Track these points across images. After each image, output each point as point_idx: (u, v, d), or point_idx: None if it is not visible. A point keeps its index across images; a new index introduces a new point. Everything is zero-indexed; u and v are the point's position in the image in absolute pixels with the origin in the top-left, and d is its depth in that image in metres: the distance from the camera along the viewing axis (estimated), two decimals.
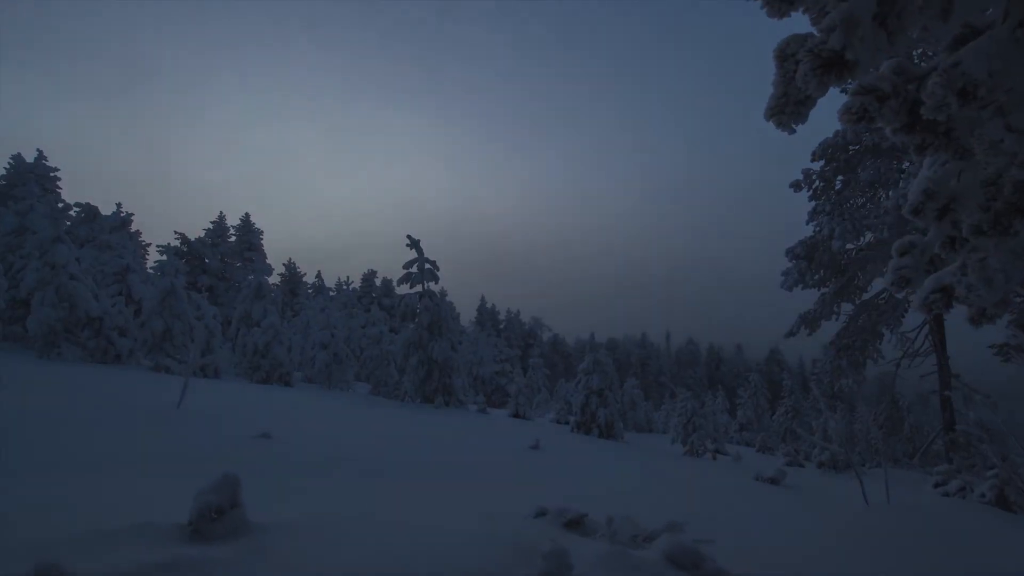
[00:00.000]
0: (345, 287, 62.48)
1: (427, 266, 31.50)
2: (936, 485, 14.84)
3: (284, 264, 66.05)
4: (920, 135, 4.00)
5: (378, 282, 78.97)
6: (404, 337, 30.69)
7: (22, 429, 9.67)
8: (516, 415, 34.44)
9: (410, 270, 31.44)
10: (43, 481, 6.75)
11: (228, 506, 4.88)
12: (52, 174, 35.01)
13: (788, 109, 3.25)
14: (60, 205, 32.14)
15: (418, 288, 31.48)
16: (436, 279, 31.86)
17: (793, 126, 3.40)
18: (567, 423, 35.02)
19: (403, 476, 9.78)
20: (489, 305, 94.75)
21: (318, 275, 71.20)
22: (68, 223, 30.50)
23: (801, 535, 7.89)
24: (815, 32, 3.16)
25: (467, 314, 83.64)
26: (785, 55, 3.19)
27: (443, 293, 36.68)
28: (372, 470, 10.00)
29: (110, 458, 8.31)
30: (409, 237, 31.22)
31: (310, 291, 67.54)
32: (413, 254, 31.45)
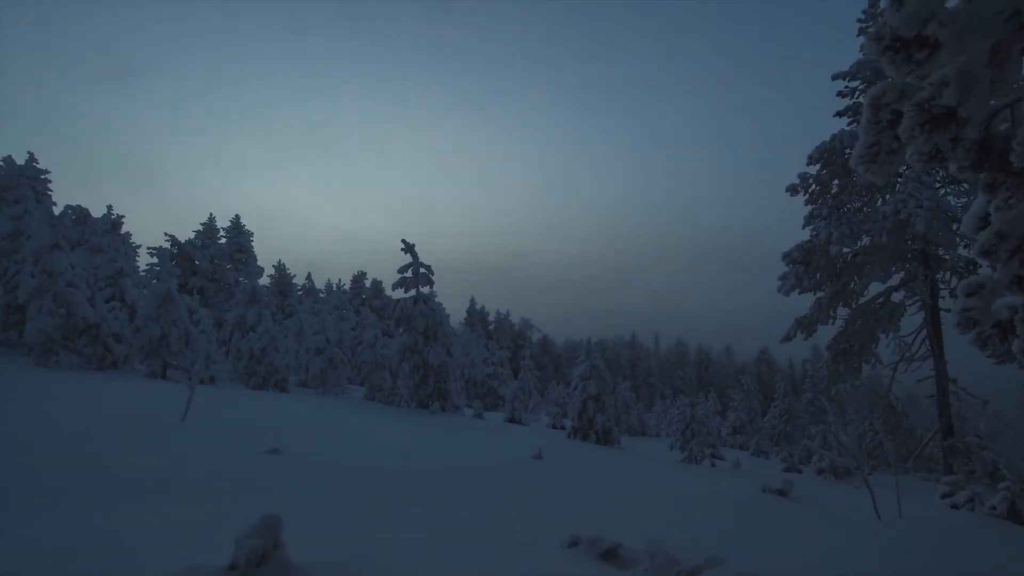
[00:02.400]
0: (336, 289, 62.13)
1: (422, 270, 31.30)
2: (943, 496, 14.78)
3: (274, 266, 65.59)
4: (991, 173, 3.90)
5: (367, 283, 78.66)
6: (400, 342, 30.48)
7: (34, 448, 9.50)
8: (512, 420, 34.34)
9: (405, 274, 31.19)
10: (68, 509, 6.58)
11: (271, 548, 4.76)
12: (43, 176, 34.67)
13: (880, 158, 3.14)
14: (53, 207, 31.88)
15: (413, 292, 31.27)
16: (431, 283, 31.67)
17: (884, 175, 3.30)
18: (562, 428, 34.94)
19: (420, 495, 9.64)
20: (479, 306, 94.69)
21: (308, 277, 70.81)
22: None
23: (825, 558, 7.83)
24: (910, 81, 3.06)
25: (454, 315, 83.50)
26: (879, 104, 3.07)
27: (431, 295, 36.49)
28: (388, 488, 9.87)
29: (130, 481, 8.16)
30: (404, 241, 30.97)
31: (300, 293, 67.16)
32: (408, 258, 31.22)
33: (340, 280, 67.13)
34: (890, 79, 3.06)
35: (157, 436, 11.70)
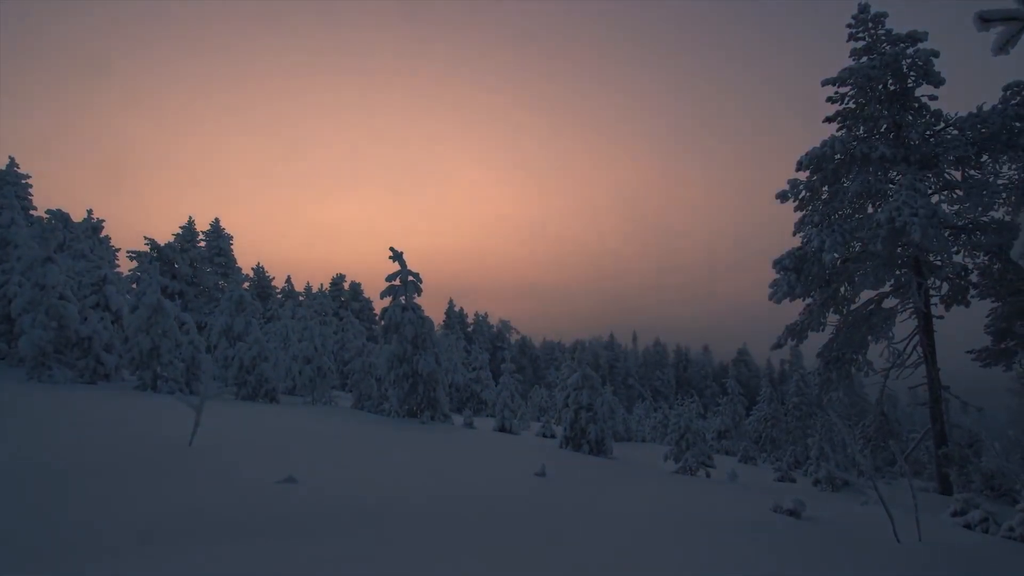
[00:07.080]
0: (318, 293, 61.67)
1: (410, 278, 30.97)
2: (954, 513, 14.76)
3: (252, 269, 64.84)
4: None
5: (346, 286, 78.06)
6: (389, 351, 30.09)
7: (43, 481, 9.15)
8: (502, 428, 34.15)
9: (393, 283, 30.84)
10: (89, 562, 6.25)
11: None
12: (24, 181, 33.84)
13: None
14: (34, 212, 31.32)
15: (401, 300, 30.90)
16: (419, 291, 31.33)
17: None
18: (552, 436, 34.79)
19: (451, 533, 9.33)
20: (457, 308, 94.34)
21: (288, 280, 70.13)
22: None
23: None
24: None
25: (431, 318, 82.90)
26: None
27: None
28: (416, 528, 9.55)
29: (151, 525, 7.80)
30: (392, 249, 30.63)
31: (279, 296, 66.54)
32: (396, 266, 30.85)
33: (322, 285, 66.31)
34: None
35: (167, 466, 11.33)
